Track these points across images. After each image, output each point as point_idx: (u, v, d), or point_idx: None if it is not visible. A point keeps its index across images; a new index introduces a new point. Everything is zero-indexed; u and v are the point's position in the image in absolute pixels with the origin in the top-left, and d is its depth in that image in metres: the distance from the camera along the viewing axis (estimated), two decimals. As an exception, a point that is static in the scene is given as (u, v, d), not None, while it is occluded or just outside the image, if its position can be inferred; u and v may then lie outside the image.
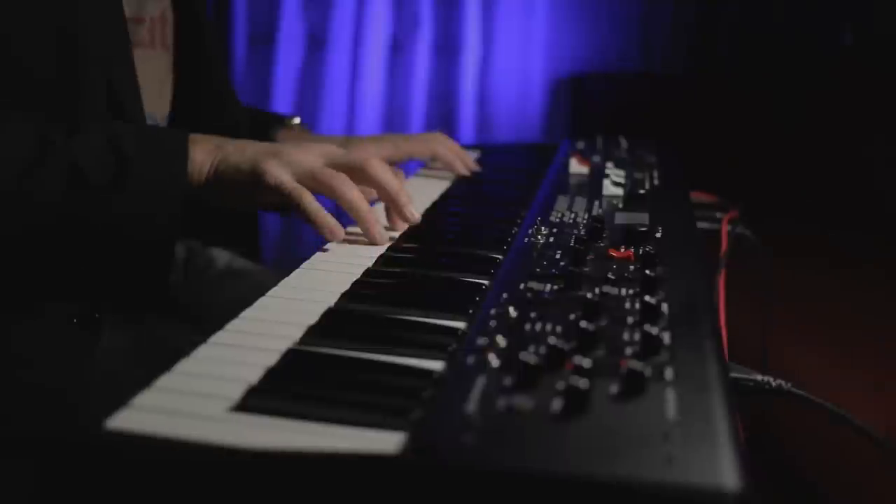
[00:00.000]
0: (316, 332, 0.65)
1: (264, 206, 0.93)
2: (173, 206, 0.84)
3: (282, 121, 1.32)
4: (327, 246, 0.89)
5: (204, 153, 0.87)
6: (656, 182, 1.13)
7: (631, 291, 0.70)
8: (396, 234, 0.94)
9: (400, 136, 1.35)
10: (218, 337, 0.63)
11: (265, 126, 1.30)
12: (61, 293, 0.90)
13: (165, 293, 0.95)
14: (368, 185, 0.92)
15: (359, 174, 0.91)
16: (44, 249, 0.84)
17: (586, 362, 0.54)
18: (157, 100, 1.08)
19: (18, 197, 0.79)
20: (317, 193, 0.89)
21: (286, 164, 0.87)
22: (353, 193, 0.88)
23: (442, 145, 1.30)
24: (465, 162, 1.31)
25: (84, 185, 0.80)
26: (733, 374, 0.78)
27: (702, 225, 1.14)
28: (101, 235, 0.83)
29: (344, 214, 0.91)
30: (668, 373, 0.55)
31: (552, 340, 0.57)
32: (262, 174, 0.86)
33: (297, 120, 1.32)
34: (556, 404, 0.51)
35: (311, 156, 0.89)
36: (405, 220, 0.94)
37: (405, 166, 1.35)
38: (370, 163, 0.91)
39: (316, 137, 1.31)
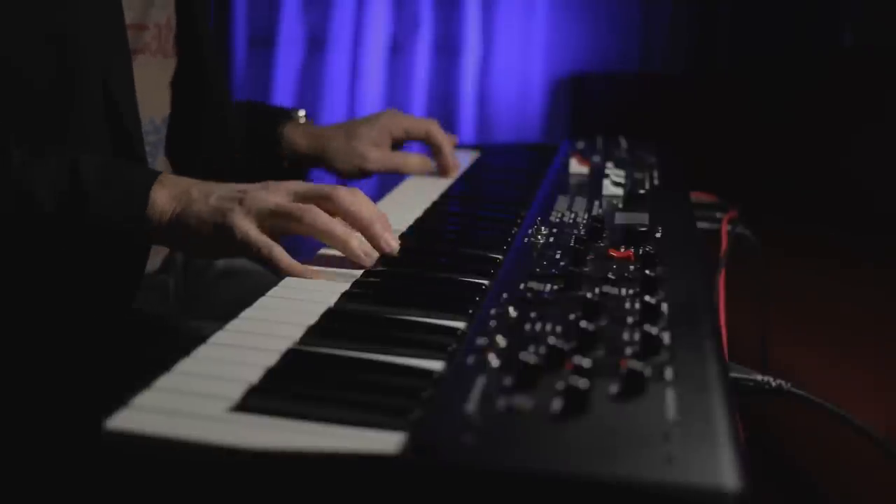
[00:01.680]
0: (316, 332, 0.65)
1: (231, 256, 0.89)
2: (130, 244, 0.84)
3: (288, 114, 1.31)
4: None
5: (167, 198, 0.83)
6: (656, 182, 1.13)
7: (631, 291, 0.69)
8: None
9: (398, 112, 1.35)
10: (218, 337, 0.63)
11: (272, 121, 1.29)
12: (26, 310, 0.90)
13: (128, 314, 0.94)
14: (339, 216, 0.86)
15: (327, 205, 0.85)
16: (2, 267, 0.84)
17: (586, 362, 0.54)
18: (158, 105, 1.08)
19: None
20: (287, 232, 0.85)
21: (250, 210, 0.82)
22: (322, 220, 0.82)
23: (436, 126, 1.31)
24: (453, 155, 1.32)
25: (37, 214, 0.80)
26: (733, 374, 0.78)
27: (702, 225, 1.14)
28: (56, 263, 0.83)
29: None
30: (668, 373, 0.55)
31: (552, 340, 0.57)
32: (228, 229, 0.81)
33: (301, 112, 1.32)
34: (556, 404, 0.51)
35: (276, 195, 0.84)
36: (380, 251, 0.85)
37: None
38: (337, 193, 0.85)
39: (320, 129, 1.31)
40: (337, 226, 0.83)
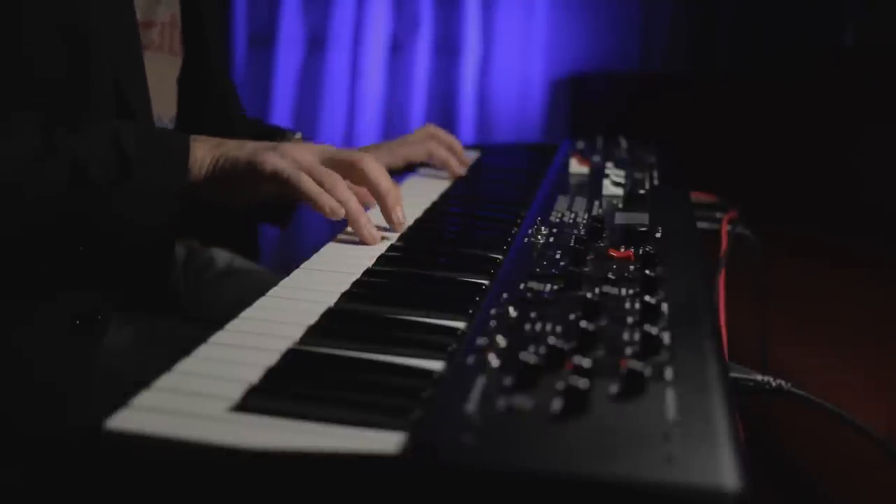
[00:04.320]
0: (316, 332, 0.65)
1: (262, 200, 0.94)
2: (173, 203, 0.85)
3: (284, 134, 1.31)
4: (327, 246, 0.89)
5: (205, 150, 0.88)
6: (656, 182, 1.13)
7: (631, 291, 0.69)
8: (392, 235, 0.93)
9: (395, 141, 1.34)
10: (218, 337, 0.63)
11: (267, 138, 1.29)
12: (63, 290, 0.89)
13: (165, 291, 0.95)
14: (361, 184, 0.94)
15: (353, 172, 0.93)
16: (45, 246, 0.84)
17: (586, 362, 0.54)
18: (165, 102, 1.08)
19: (20, 193, 0.79)
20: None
21: (284, 157, 0.89)
22: (344, 192, 0.89)
23: (436, 143, 1.30)
24: (458, 156, 1.31)
25: (86, 182, 0.81)
26: (733, 374, 0.78)
27: (702, 225, 1.14)
28: (101, 232, 0.84)
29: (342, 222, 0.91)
30: (668, 373, 0.55)
31: (552, 340, 0.57)
32: (260, 164, 0.87)
33: (298, 135, 1.32)
34: (556, 404, 0.51)
35: (308, 153, 0.90)
36: (390, 222, 0.95)
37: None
38: (364, 160, 0.93)
39: None
40: (353, 202, 0.89)
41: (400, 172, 1.31)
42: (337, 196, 0.89)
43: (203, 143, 0.89)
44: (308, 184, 0.88)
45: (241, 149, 0.89)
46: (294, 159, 0.89)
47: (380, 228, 0.93)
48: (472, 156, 1.46)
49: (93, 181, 0.81)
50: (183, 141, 0.88)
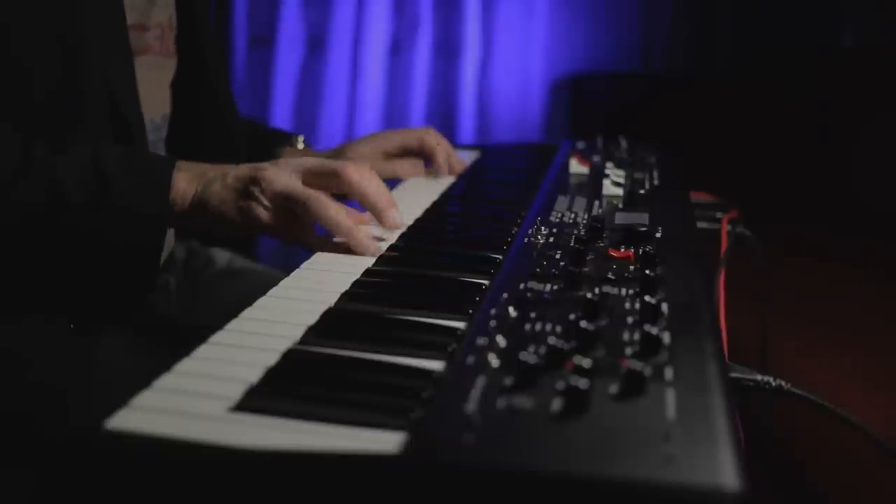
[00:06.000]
0: (316, 332, 0.65)
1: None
2: (153, 229, 0.85)
3: (287, 139, 1.31)
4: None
5: (187, 181, 0.87)
6: (656, 182, 1.13)
7: (631, 291, 0.70)
8: (392, 235, 0.93)
9: (393, 130, 1.34)
10: (218, 337, 0.63)
11: (269, 143, 1.29)
12: (45, 302, 0.90)
13: (145, 307, 0.95)
14: (347, 192, 0.90)
15: (336, 181, 0.89)
16: (24, 260, 0.84)
17: (586, 362, 0.54)
18: (159, 105, 1.08)
19: None
20: (297, 216, 0.88)
21: (266, 192, 0.85)
22: (330, 212, 0.85)
23: (430, 135, 1.29)
24: (451, 160, 1.31)
25: (63, 202, 0.81)
26: (733, 374, 0.78)
27: (702, 225, 1.14)
28: (80, 251, 0.84)
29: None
30: (668, 373, 0.55)
31: (552, 340, 0.57)
32: (250, 211, 0.86)
33: (301, 138, 1.31)
34: (556, 404, 0.51)
35: (288, 177, 0.87)
36: (385, 226, 0.91)
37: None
38: (345, 169, 0.88)
39: (315, 153, 1.30)
40: (343, 219, 0.85)
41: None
42: (325, 218, 0.85)
43: (187, 172, 0.87)
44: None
45: (223, 182, 0.87)
46: (276, 191, 0.85)
47: (377, 238, 0.91)
48: (472, 156, 1.46)
49: (70, 202, 0.81)
50: (166, 169, 0.86)
